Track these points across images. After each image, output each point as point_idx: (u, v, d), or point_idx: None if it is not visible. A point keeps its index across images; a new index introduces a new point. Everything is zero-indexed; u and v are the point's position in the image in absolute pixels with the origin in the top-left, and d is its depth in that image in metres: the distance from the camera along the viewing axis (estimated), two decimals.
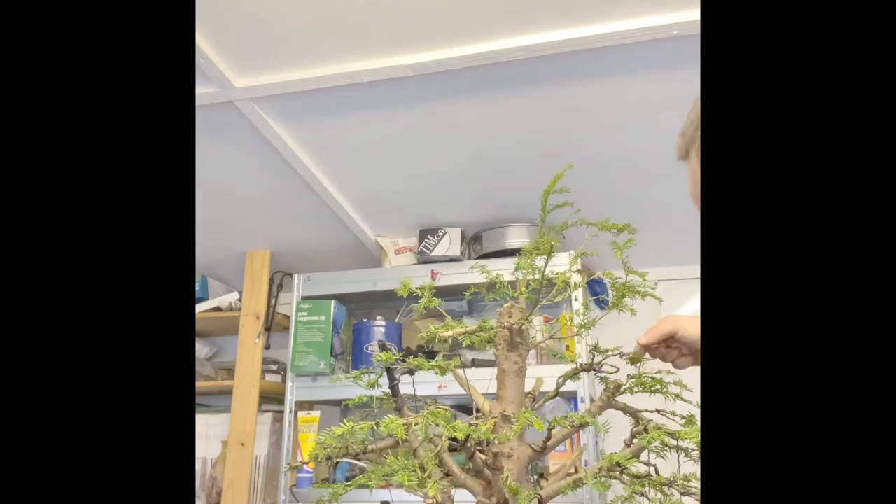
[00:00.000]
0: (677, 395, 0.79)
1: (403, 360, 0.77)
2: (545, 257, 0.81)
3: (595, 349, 0.88)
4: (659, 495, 0.71)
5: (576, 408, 1.78)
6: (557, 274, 0.94)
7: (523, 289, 0.84)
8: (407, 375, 0.82)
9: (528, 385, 0.86)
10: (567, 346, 1.83)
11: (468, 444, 0.74)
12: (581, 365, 0.88)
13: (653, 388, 0.78)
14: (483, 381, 0.96)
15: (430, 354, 1.86)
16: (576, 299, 1.80)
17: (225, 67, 1.28)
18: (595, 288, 2.14)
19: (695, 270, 2.20)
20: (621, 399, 0.82)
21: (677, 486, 0.71)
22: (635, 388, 0.80)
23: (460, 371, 0.87)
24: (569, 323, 1.81)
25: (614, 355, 0.86)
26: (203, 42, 1.21)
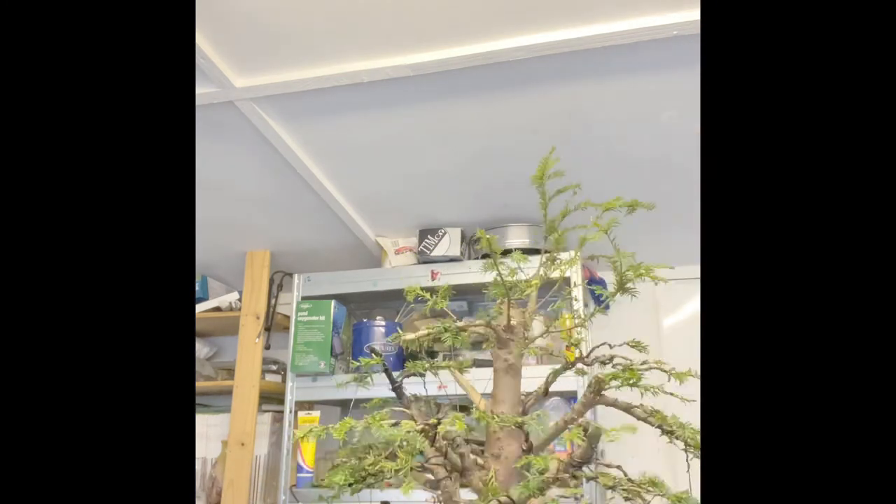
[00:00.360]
0: (658, 388, 0.75)
1: (385, 368, 0.78)
2: (544, 257, 0.81)
3: (575, 343, 0.87)
4: (659, 496, 0.71)
5: None
6: (560, 264, 0.93)
7: (523, 288, 0.84)
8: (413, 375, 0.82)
9: (531, 385, 0.85)
10: (567, 347, 1.83)
11: (442, 443, 0.74)
12: (568, 362, 0.86)
13: (630, 383, 0.74)
14: (482, 381, 0.96)
15: (431, 355, 1.86)
16: (576, 299, 1.80)
17: (225, 67, 1.28)
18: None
19: (695, 270, 2.20)
20: (610, 394, 0.79)
21: (683, 436, 0.69)
22: (612, 382, 0.76)
23: (457, 371, 0.87)
24: (568, 323, 1.81)
25: (605, 354, 0.85)
26: (203, 42, 1.21)
